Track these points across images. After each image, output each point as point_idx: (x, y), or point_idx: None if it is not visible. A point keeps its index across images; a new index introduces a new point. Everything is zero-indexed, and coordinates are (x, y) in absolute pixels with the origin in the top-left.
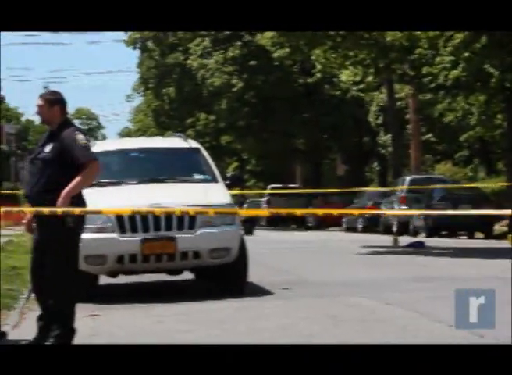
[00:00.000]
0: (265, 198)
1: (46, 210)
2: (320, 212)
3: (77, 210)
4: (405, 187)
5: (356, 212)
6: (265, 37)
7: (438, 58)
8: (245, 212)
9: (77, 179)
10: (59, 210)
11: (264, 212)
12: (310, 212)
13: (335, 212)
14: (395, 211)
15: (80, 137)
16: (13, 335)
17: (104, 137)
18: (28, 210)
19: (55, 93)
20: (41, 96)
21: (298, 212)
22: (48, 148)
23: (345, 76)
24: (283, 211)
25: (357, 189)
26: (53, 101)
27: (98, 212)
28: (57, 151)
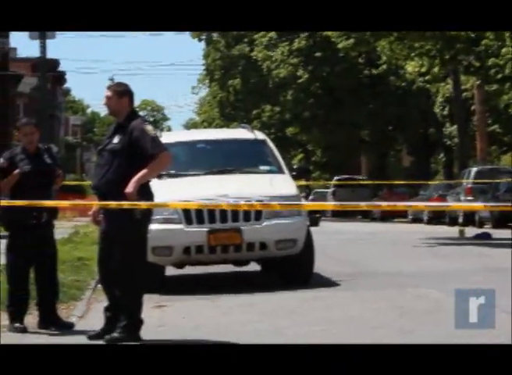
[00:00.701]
0: (331, 190)
1: (113, 204)
2: (385, 205)
3: (144, 204)
4: (470, 180)
5: (421, 205)
6: None
7: (504, 50)
8: (311, 205)
9: (148, 168)
10: (126, 204)
11: (329, 205)
12: (374, 206)
13: (400, 206)
14: (460, 204)
15: (149, 128)
16: (80, 326)
17: (169, 129)
18: (94, 204)
19: (123, 84)
20: (110, 88)
21: (362, 205)
22: (116, 140)
23: (410, 67)
24: (349, 206)
25: (423, 182)
26: (122, 93)
27: (165, 206)
28: (125, 143)
